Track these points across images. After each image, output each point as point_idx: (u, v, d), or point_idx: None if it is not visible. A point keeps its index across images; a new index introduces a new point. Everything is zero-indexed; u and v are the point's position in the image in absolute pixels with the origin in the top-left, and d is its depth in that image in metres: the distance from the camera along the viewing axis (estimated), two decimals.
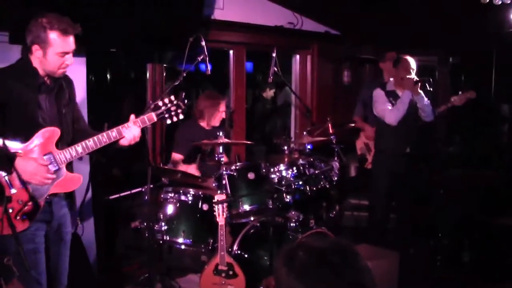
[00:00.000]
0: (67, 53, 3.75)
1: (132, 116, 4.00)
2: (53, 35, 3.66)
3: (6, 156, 3.49)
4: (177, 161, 6.37)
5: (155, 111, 4.05)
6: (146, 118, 3.99)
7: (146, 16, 5.87)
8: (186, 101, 4.14)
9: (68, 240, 4.13)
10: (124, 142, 3.96)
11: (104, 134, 3.87)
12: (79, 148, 3.79)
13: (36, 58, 3.72)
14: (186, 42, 5.53)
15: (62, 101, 3.92)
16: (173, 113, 4.08)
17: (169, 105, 4.06)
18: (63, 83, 3.96)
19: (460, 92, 6.57)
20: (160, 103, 4.05)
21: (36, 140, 3.66)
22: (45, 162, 3.66)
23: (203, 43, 5.48)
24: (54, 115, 3.83)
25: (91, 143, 3.82)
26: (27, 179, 3.57)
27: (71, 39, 3.74)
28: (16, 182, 3.56)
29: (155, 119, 4.03)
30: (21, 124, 3.66)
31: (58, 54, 3.70)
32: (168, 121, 4.10)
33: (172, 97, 4.09)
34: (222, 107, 6.56)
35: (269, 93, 10.22)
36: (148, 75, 7.03)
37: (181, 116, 4.12)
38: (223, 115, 6.61)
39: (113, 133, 3.89)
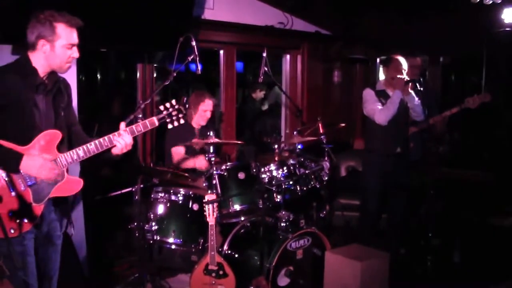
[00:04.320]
0: (74, 45, 3.73)
1: (123, 124, 3.94)
2: (60, 27, 3.64)
3: (13, 155, 3.48)
4: (180, 153, 6.35)
5: (157, 115, 4.00)
6: (147, 122, 3.94)
7: (136, 16, 5.86)
8: (187, 105, 4.11)
9: (59, 244, 4.06)
10: (115, 150, 3.90)
11: (106, 138, 3.83)
12: (80, 151, 3.75)
13: (41, 54, 3.66)
14: (176, 42, 5.52)
15: (60, 104, 3.87)
16: (174, 118, 4.02)
17: (170, 109, 4.01)
18: (61, 86, 3.91)
19: (475, 95, 6.56)
20: (162, 108, 4.00)
21: (37, 142, 3.60)
22: (49, 157, 3.61)
23: (194, 43, 5.47)
24: (51, 117, 3.77)
25: (93, 147, 3.77)
26: (34, 174, 3.55)
27: (75, 32, 3.74)
28: (17, 184, 3.53)
29: (157, 123, 3.97)
30: (18, 125, 3.60)
31: (66, 46, 3.68)
32: (169, 126, 4.04)
33: (174, 102, 4.04)
34: (204, 107, 6.51)
35: (259, 94, 10.17)
36: (138, 75, 7.03)
37: (182, 121, 4.07)
38: (208, 115, 6.57)
39: (114, 137, 3.85)
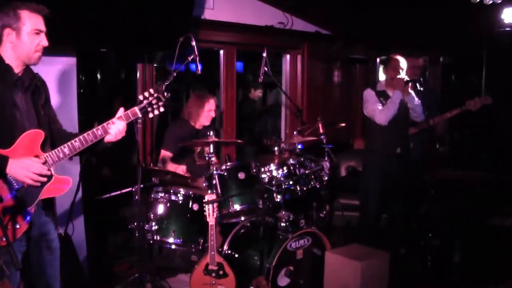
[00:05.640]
0: (41, 31, 3.65)
1: (121, 109, 3.92)
2: (24, 13, 3.57)
3: None
4: (166, 159, 6.35)
5: (138, 105, 3.96)
6: (129, 113, 3.90)
7: (137, 16, 5.85)
8: (166, 93, 4.02)
9: (56, 247, 3.97)
10: (109, 138, 3.86)
11: (90, 132, 3.75)
12: (65, 149, 3.66)
13: (8, 45, 3.59)
14: (176, 42, 5.51)
15: (39, 102, 3.79)
16: (154, 106, 3.96)
17: (150, 98, 3.94)
18: (38, 83, 3.83)
19: (476, 97, 6.57)
20: (141, 97, 3.96)
21: (21, 143, 3.51)
22: (39, 160, 3.54)
23: (194, 43, 5.47)
24: (32, 116, 3.69)
25: (78, 143, 3.69)
26: (21, 179, 3.45)
27: (41, 19, 3.66)
28: (4, 189, 3.46)
29: (139, 113, 3.93)
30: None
31: (32, 32, 3.60)
32: (150, 115, 3.99)
33: (152, 90, 3.98)
34: (209, 106, 6.50)
35: (255, 93, 10.12)
36: (138, 75, 7.02)
37: (162, 109, 4.00)
38: (213, 114, 6.56)
39: (98, 131, 3.78)
